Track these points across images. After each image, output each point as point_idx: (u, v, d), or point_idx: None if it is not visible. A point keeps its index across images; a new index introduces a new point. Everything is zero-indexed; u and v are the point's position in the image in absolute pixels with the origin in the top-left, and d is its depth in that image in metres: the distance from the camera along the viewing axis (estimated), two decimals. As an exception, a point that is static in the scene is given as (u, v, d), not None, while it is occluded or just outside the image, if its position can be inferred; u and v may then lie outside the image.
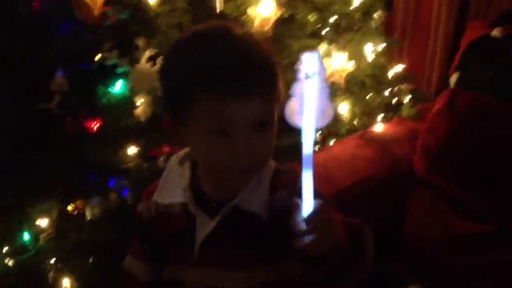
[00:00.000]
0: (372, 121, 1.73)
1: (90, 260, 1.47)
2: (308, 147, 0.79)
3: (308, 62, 0.76)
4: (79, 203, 1.51)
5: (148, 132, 1.45)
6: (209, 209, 0.98)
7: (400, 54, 2.27)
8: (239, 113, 0.87)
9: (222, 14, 1.48)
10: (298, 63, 0.77)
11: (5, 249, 1.44)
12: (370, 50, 1.76)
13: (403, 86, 1.83)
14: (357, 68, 1.66)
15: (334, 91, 1.58)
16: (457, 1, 2.24)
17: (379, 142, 1.70)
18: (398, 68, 1.92)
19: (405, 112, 1.76)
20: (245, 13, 1.49)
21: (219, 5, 1.47)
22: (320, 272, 0.87)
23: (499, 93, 1.69)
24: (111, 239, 1.43)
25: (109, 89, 1.42)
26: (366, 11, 1.79)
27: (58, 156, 1.45)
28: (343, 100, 1.60)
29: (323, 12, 1.66)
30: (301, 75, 0.77)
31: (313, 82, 0.76)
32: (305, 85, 0.76)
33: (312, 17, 1.62)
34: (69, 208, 1.52)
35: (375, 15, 1.81)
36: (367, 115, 1.66)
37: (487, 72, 1.77)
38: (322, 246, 0.80)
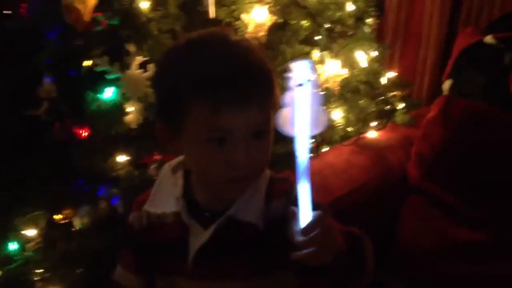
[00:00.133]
0: (366, 127, 1.71)
1: (79, 271, 1.44)
2: (303, 156, 0.78)
3: (298, 70, 0.75)
4: (67, 212, 1.49)
5: (139, 140, 1.43)
6: (203, 219, 0.96)
7: (391, 61, 2.27)
8: (236, 122, 0.85)
9: (215, 20, 1.46)
10: (289, 71, 0.76)
11: (-9, 259, 1.41)
12: (364, 56, 1.75)
13: (397, 93, 1.82)
14: (351, 74, 1.65)
15: (328, 97, 1.57)
16: (448, 8, 2.25)
17: (373, 149, 1.69)
18: (391, 74, 1.92)
19: (399, 118, 1.75)
20: (238, 18, 1.48)
21: (211, 10, 1.45)
22: (320, 283, 0.85)
23: (493, 100, 1.68)
24: (100, 248, 1.41)
25: (99, 95, 1.40)
26: (359, 17, 1.78)
27: (46, 163, 1.44)
28: (337, 106, 1.59)
29: (317, 18, 1.64)
30: (292, 83, 0.76)
31: (305, 90, 0.75)
32: (296, 93, 0.75)
33: (305, 23, 1.61)
34: (57, 217, 1.49)
35: (368, 21, 1.80)
36: (361, 121, 1.65)
37: (481, 78, 1.77)
38: (321, 257, 0.79)
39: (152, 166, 1.43)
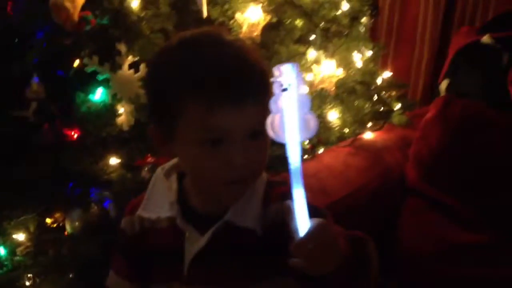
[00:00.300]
0: (363, 128, 1.70)
1: (70, 276, 1.42)
2: (295, 162, 0.75)
3: (284, 74, 0.73)
4: (58, 215, 1.47)
5: (131, 142, 1.41)
6: (199, 224, 0.93)
7: (384, 61, 2.25)
8: (232, 121, 0.83)
9: (208, 20, 1.44)
10: (274, 76, 0.74)
11: (-20, 265, 1.39)
12: (359, 56, 1.74)
13: (392, 93, 1.81)
14: (347, 74, 1.63)
15: (324, 98, 1.55)
16: (443, 7, 2.25)
17: (370, 150, 1.66)
18: (387, 74, 1.91)
19: (395, 119, 1.74)
20: (231, 18, 1.46)
21: (204, 9, 1.43)
22: None
23: (491, 100, 1.67)
24: (92, 253, 1.38)
25: (89, 96, 1.39)
26: (354, 16, 1.76)
27: (35, 166, 1.42)
28: (333, 107, 1.57)
29: (311, 17, 1.63)
30: (277, 88, 0.74)
31: (290, 94, 0.73)
32: (283, 98, 0.73)
33: (299, 22, 1.59)
34: (48, 221, 1.48)
35: (363, 20, 1.79)
36: (357, 122, 1.63)
37: (479, 79, 1.76)
38: (320, 269, 0.76)
39: (145, 169, 1.41)
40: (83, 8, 1.35)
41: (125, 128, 1.39)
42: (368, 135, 1.74)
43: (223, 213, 0.91)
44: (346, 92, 1.65)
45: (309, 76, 1.57)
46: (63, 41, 1.39)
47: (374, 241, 0.86)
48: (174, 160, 0.99)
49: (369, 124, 1.73)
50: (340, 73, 1.63)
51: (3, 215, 1.43)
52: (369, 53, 1.81)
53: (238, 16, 1.46)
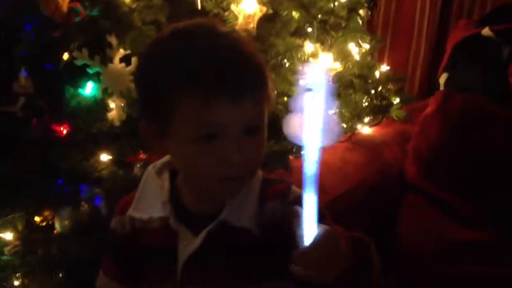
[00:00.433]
0: (361, 123, 1.67)
1: (60, 276, 1.39)
2: (311, 167, 0.72)
3: (309, 74, 0.69)
4: (47, 214, 1.44)
5: (122, 138, 1.37)
6: (192, 224, 0.91)
7: (381, 54, 2.23)
8: (228, 116, 0.80)
9: (202, 11, 1.41)
10: (301, 74, 0.71)
11: (-35, 265, 1.36)
12: (357, 49, 1.71)
13: (391, 87, 1.78)
14: (344, 68, 1.60)
15: None
16: (440, 0, 2.21)
17: (369, 145, 1.65)
18: (384, 68, 1.88)
19: (394, 113, 1.71)
20: (226, 9, 1.42)
21: (198, 1, 1.39)
22: None
23: (492, 94, 1.64)
24: (82, 252, 1.35)
25: (79, 91, 1.35)
26: (352, 8, 1.73)
27: (23, 163, 1.38)
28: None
29: (308, 9, 1.59)
30: (302, 87, 0.70)
31: (315, 96, 0.69)
32: (307, 99, 0.69)
33: (296, 14, 1.55)
34: (37, 219, 1.44)
35: (361, 12, 1.76)
36: (355, 117, 1.60)
37: (479, 72, 1.73)
38: (325, 276, 0.73)
39: (137, 166, 1.37)
40: (74, -1, 1.31)
41: (117, 123, 1.35)
42: (366, 130, 1.72)
43: (217, 213, 0.89)
44: (343, 86, 1.62)
45: (306, 70, 1.53)
46: (52, 33, 1.34)
47: (373, 238, 0.84)
48: (166, 157, 0.96)
49: (367, 119, 1.70)
50: (337, 66, 1.61)
51: (-10, 213, 1.39)
52: (366, 46, 1.78)
53: (233, 7, 1.42)
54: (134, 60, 1.32)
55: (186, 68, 0.80)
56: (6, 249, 1.40)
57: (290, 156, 1.39)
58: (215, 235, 0.88)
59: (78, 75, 1.34)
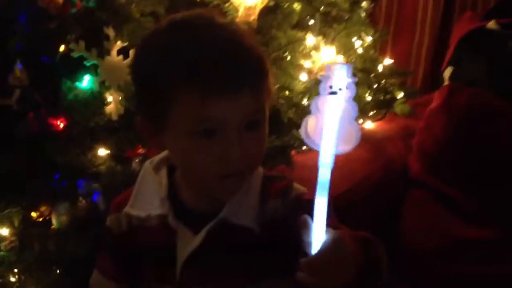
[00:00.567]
0: (364, 118, 1.64)
1: (57, 272, 1.37)
2: (324, 174, 0.70)
3: (335, 75, 0.66)
4: (44, 209, 1.43)
5: (120, 132, 1.36)
6: (191, 222, 0.88)
7: (384, 47, 2.20)
8: (228, 111, 0.78)
9: (202, 2, 1.38)
10: (323, 74, 0.68)
11: (-39, 260, 1.35)
12: (360, 42, 1.68)
13: (394, 81, 1.76)
14: (347, 61, 1.57)
15: None
16: (444, -7, 2.19)
17: (372, 141, 1.61)
18: (387, 61, 1.85)
19: (398, 108, 1.68)
20: (226, 1, 1.39)
21: (198, -9, 1.37)
22: None
23: (498, 88, 1.62)
24: (80, 249, 1.34)
25: (76, 84, 1.34)
26: (354, 0, 1.71)
27: (20, 157, 1.38)
28: None
29: (310, 1, 1.57)
30: (325, 89, 0.67)
31: (338, 99, 0.66)
32: (329, 101, 0.67)
33: (298, 6, 1.52)
34: (33, 214, 1.43)
35: (364, 4, 1.73)
36: (359, 112, 1.57)
37: (484, 66, 1.71)
38: (332, 284, 0.71)
39: (136, 161, 1.36)
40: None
41: (114, 117, 1.33)
42: (369, 125, 1.69)
43: (217, 210, 0.86)
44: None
45: (307, 63, 1.52)
46: (47, 25, 1.34)
47: (376, 234, 0.81)
48: (164, 153, 0.94)
49: (370, 114, 1.67)
50: (340, 60, 1.57)
51: (-14, 208, 1.38)
52: (369, 39, 1.76)
53: (233, -2, 1.39)
54: (132, 52, 1.30)
55: (184, 60, 0.78)
56: (2, 245, 1.40)
57: (292, 152, 1.37)
58: (215, 233, 0.86)
59: (75, 67, 1.33)
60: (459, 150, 1.55)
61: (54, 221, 1.39)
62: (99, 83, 1.33)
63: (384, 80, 1.73)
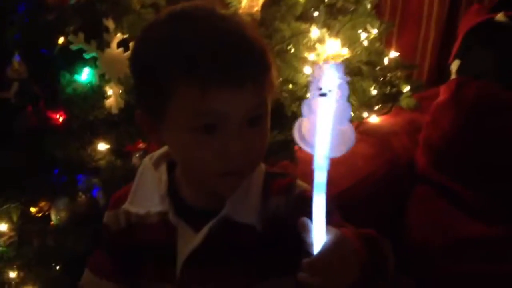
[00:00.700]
0: (369, 112, 1.62)
1: (57, 268, 1.37)
2: (320, 177, 0.68)
3: (325, 76, 0.64)
4: (43, 204, 1.42)
5: (120, 126, 1.34)
6: (192, 219, 0.86)
7: (389, 40, 2.17)
8: (229, 105, 0.76)
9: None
10: (313, 75, 0.66)
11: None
12: (365, 35, 1.65)
13: (400, 74, 1.73)
14: (352, 54, 1.55)
15: None
16: (450, -16, 2.16)
17: (377, 135, 1.59)
18: (393, 54, 1.82)
19: (404, 102, 1.66)
20: (229, -8, 1.36)
21: (200, -18, 1.33)
22: None
23: (506, 81, 1.59)
24: (80, 244, 1.32)
25: (75, 77, 1.33)
26: (360, -8, 1.67)
27: (18, 151, 1.38)
28: None
29: (315, -8, 1.54)
30: (314, 90, 0.65)
31: (329, 101, 0.64)
32: (320, 103, 0.65)
33: (302, -3, 1.50)
34: (32, 210, 1.42)
35: (370, -5, 1.70)
36: (363, 106, 1.55)
37: (493, 59, 1.68)
38: (335, 285, 0.69)
39: (136, 155, 1.35)
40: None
41: (114, 111, 1.31)
42: (374, 119, 1.66)
43: (218, 208, 0.85)
44: (351, 73, 1.56)
45: (311, 56, 1.49)
46: (46, 16, 1.33)
47: (381, 230, 0.80)
48: (163, 148, 0.92)
49: (376, 108, 1.64)
50: (345, 52, 1.54)
51: (-15, 204, 1.38)
52: (375, 31, 1.72)
53: (237, -11, 1.37)
54: (132, 45, 1.27)
55: (183, 52, 0.76)
56: (1, 240, 1.39)
57: (296, 147, 1.35)
58: (216, 231, 0.84)
59: (74, 60, 1.32)
60: (467, 144, 1.52)
61: (53, 216, 1.38)
62: (99, 76, 1.32)
63: (389, 73, 1.70)
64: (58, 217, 1.37)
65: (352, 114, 1.53)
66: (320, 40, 1.50)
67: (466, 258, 1.41)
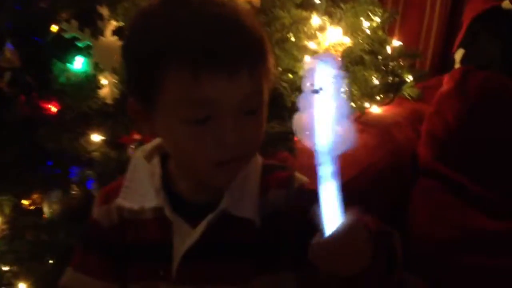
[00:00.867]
0: (371, 102, 1.59)
1: (51, 262, 1.35)
2: (325, 170, 0.65)
3: (316, 72, 0.61)
4: (36, 197, 1.40)
5: (115, 116, 1.31)
6: (187, 214, 0.84)
7: (391, 28, 2.14)
8: (223, 92, 0.73)
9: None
10: (305, 71, 0.63)
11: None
12: (367, 23, 1.62)
13: (402, 63, 1.70)
14: (354, 42, 1.52)
15: None
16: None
17: (379, 126, 1.56)
18: (396, 43, 1.79)
19: (407, 91, 1.63)
20: (227, -22, 1.32)
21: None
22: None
23: (512, 70, 1.57)
24: (73, 238, 1.27)
25: (68, 66, 1.31)
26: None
27: (10, 142, 1.36)
28: None
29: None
30: (307, 86, 0.63)
31: (322, 98, 0.61)
32: (314, 100, 0.62)
33: (302, -17, 1.47)
34: (25, 202, 1.41)
35: (373, -18, 1.67)
36: (365, 96, 1.52)
37: (499, 47, 1.66)
38: (343, 270, 0.68)
39: (131, 147, 1.31)
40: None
41: (109, 101, 1.30)
42: (376, 110, 1.64)
43: (215, 202, 0.82)
44: (353, 62, 1.54)
45: (312, 45, 1.46)
46: (39, 3, 1.32)
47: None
48: (156, 141, 0.89)
49: (378, 98, 1.62)
50: (347, 41, 1.53)
51: (-25, 196, 1.36)
52: (377, 19, 1.69)
53: (235, -24, 1.33)
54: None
55: (176, 37, 0.73)
56: (-7, 234, 1.38)
57: (295, 138, 1.32)
58: (214, 226, 0.82)
59: (67, 48, 1.30)
60: (471, 135, 1.51)
61: (45, 209, 1.36)
62: (93, 65, 1.30)
63: (392, 63, 1.67)
64: (50, 210, 1.35)
65: (353, 105, 1.51)
66: (321, 28, 1.49)
67: (471, 251, 1.39)
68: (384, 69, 1.66)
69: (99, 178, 1.31)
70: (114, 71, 1.28)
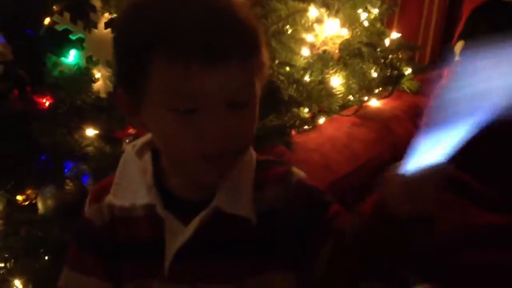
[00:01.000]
0: (369, 95, 1.58)
1: (46, 258, 1.34)
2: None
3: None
4: (30, 192, 1.39)
5: (109, 111, 1.31)
6: (180, 212, 0.81)
7: (390, 20, 2.12)
8: (212, 84, 0.70)
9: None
10: None
11: None
12: (366, 15, 1.62)
13: (401, 56, 1.69)
14: (352, 35, 1.50)
15: (326, 61, 1.43)
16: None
17: (377, 120, 1.56)
18: (396, 35, 1.78)
19: (406, 85, 1.62)
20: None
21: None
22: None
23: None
24: (68, 234, 1.27)
25: (61, 59, 1.30)
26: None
27: (3, 137, 1.33)
28: (336, 72, 1.44)
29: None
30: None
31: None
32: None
33: (300, -25, 1.45)
34: (19, 198, 1.39)
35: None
36: (363, 89, 1.51)
37: (499, 39, 1.62)
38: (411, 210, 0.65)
39: (126, 141, 1.31)
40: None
41: (103, 95, 1.29)
42: (374, 103, 1.63)
43: (208, 199, 0.80)
44: (351, 55, 1.53)
45: (310, 37, 1.45)
46: None
47: None
48: (147, 136, 0.86)
49: (376, 91, 1.61)
50: (344, 33, 1.53)
51: (-32, 191, 1.35)
52: (375, 11, 1.69)
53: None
54: (119, 24, 1.24)
55: (160, 27, 0.71)
56: (-14, 230, 1.37)
57: (293, 132, 1.30)
58: (208, 224, 0.80)
59: (60, 41, 1.29)
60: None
61: (39, 205, 1.34)
62: (86, 58, 1.29)
63: (391, 55, 1.66)
64: (45, 205, 1.34)
65: (352, 98, 1.50)
66: (319, 20, 1.48)
67: (471, 248, 1.37)
68: (383, 61, 1.66)
69: (93, 173, 1.30)
70: (107, 64, 1.27)
